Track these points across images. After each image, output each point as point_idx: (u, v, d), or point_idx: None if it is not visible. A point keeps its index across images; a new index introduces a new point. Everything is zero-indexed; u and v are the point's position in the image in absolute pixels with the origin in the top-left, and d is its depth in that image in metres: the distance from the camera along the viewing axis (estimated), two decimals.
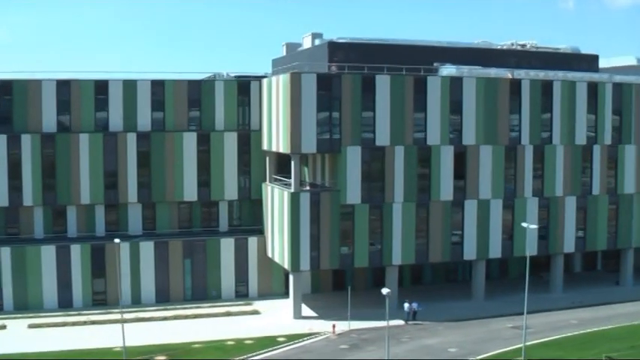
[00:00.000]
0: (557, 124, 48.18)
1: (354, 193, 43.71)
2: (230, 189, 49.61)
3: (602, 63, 62.61)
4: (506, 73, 48.32)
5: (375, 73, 44.14)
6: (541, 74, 49.26)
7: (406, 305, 43.32)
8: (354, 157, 43.56)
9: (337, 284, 49.99)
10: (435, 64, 48.01)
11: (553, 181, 48.22)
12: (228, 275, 48.17)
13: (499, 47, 53.23)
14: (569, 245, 49.33)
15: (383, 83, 43.98)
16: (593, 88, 49.28)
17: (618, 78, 52.39)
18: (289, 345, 39.26)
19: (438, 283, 52.77)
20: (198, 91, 49.16)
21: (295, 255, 43.24)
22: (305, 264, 43.55)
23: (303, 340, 40.18)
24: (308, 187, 46.32)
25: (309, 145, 42.95)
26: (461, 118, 45.87)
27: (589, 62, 52.81)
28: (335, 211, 43.50)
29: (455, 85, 45.71)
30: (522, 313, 45.52)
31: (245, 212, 50.39)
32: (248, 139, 49.63)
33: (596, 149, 49.43)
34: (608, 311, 46.05)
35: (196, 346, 39.11)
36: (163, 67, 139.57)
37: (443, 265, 51.81)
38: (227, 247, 48.08)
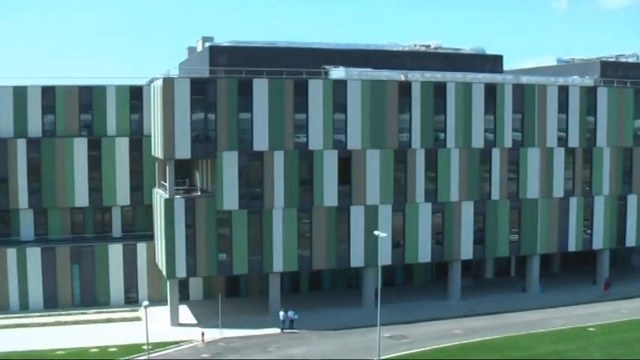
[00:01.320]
0: (452, 127, 48.18)
1: (230, 199, 44.22)
2: (122, 194, 50.67)
3: (528, 64, 62.28)
4: (400, 76, 48.32)
5: (252, 76, 44.54)
6: (438, 75, 49.16)
7: (281, 313, 43.71)
8: (230, 162, 44.00)
9: (231, 290, 50.83)
10: (325, 67, 48.12)
11: (447, 186, 48.26)
12: (117, 281, 49.15)
13: (398, 49, 52.91)
14: (466, 252, 49.25)
15: (260, 87, 44.33)
16: (492, 90, 49.20)
17: (525, 79, 52.15)
18: (153, 353, 39.90)
19: (339, 290, 53.09)
20: (89, 97, 50.25)
21: (171, 261, 43.93)
22: (181, 271, 44.19)
23: (169, 348, 40.86)
24: (183, 193, 46.55)
25: (183, 151, 43.50)
26: (345, 122, 46.10)
27: (492, 63, 52.24)
28: (211, 217, 44.08)
29: (339, 88, 45.95)
30: (410, 322, 46.28)
31: (139, 218, 51.41)
32: (140, 144, 50.56)
33: (496, 152, 49.29)
34: (501, 320, 45.96)
35: (59, 352, 40.16)
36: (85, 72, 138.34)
37: (343, 272, 52.10)
38: (115, 253, 49.08)
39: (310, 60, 47.89)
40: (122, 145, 50.04)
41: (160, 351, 40.42)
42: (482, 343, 41.35)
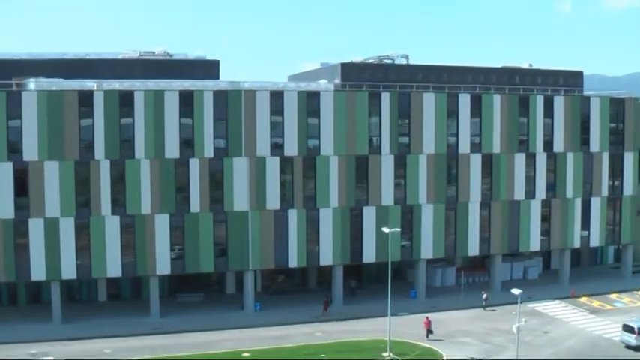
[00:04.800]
0: (141, 137, 48.87)
1: None
2: None
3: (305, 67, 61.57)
4: (93, 85, 49.40)
5: None
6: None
7: None
8: None
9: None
10: (20, 78, 49.55)
11: (138, 198, 48.85)
12: None
13: (104, 58, 54.52)
14: (163, 267, 49.61)
15: None
16: (189, 97, 49.48)
17: (247, 85, 52.09)
18: None
19: (29, 303, 54.13)
20: None
21: None
22: None
23: None
24: None
25: None
26: (21, 134, 47.57)
27: (209, 69, 52.08)
28: None
29: (13, 99, 47.37)
30: (80, 338, 47.37)
31: None
32: None
33: (194, 163, 49.54)
34: (173, 340, 46.29)
35: None
36: None
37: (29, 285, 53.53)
38: None
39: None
40: None
41: None
42: None
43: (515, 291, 39.82)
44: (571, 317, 52.65)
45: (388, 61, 61.85)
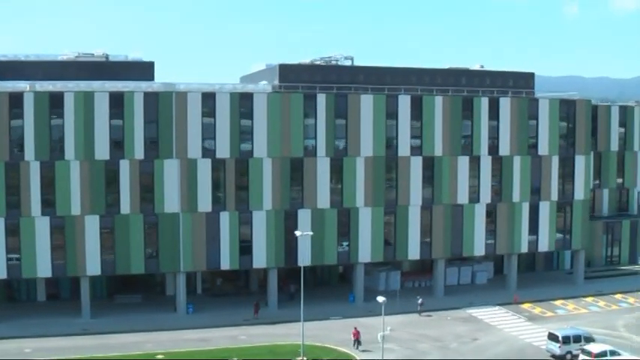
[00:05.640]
0: (71, 139, 49.46)
1: None
2: None
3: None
4: (26, 86, 50.11)
5: None
6: (59, 85, 50.57)
7: None
8: None
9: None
10: None
11: (68, 199, 49.52)
12: None
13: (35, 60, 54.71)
14: (93, 268, 50.28)
15: None
16: (119, 99, 50.01)
17: (182, 87, 52.51)
18: None
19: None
20: None
21: None
22: None
23: None
24: None
25: None
26: None
27: (144, 70, 52.65)
28: None
29: None
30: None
31: None
32: None
33: (124, 164, 50.18)
34: (97, 341, 46.90)
35: None
36: None
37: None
38: None
39: None
40: None
41: None
42: None
43: (380, 299, 40.08)
44: (506, 324, 52.36)
45: (333, 62, 61.73)
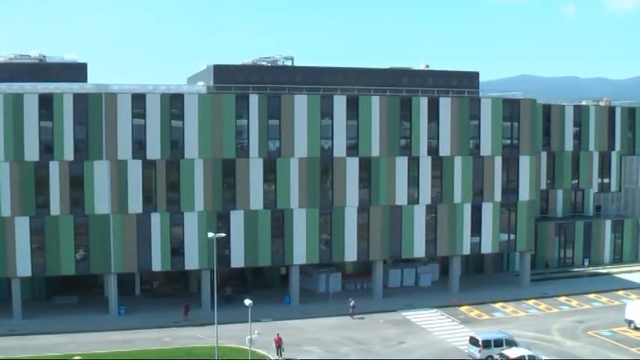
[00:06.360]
0: (0, 139, 49.69)
1: None
2: None
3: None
4: None
5: None
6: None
7: None
8: None
9: None
10: None
11: (51, 199, 50.05)
12: None
13: None
14: (24, 269, 50.61)
15: None
16: (49, 100, 50.05)
17: (116, 88, 52.91)
18: None
19: None
20: None
21: None
22: None
23: None
24: None
25: None
26: None
27: (77, 72, 53.34)
28: None
29: None
30: None
31: None
32: None
33: (54, 165, 50.30)
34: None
35: None
36: None
37: None
38: None
39: None
40: None
41: None
42: None
43: (247, 302, 40.23)
44: (438, 327, 52.24)
45: (273, 62, 61.91)
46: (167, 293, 59.34)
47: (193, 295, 59.07)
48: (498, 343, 45.01)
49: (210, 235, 44.89)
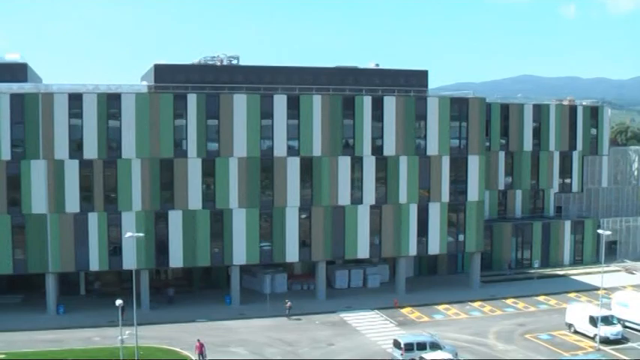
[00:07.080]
0: None
1: None
2: None
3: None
4: None
5: None
6: None
7: None
8: None
9: None
10: None
11: None
12: None
13: None
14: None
15: None
16: None
17: (55, 88, 53.47)
18: None
19: None
20: None
21: None
22: None
23: None
24: None
25: None
26: None
27: (16, 72, 54.05)
28: None
29: None
30: None
31: None
32: None
33: None
34: None
35: None
36: None
37: None
38: None
39: None
40: None
41: None
42: None
43: (118, 302, 40.71)
44: (373, 329, 52.06)
45: (218, 62, 61.87)
46: (110, 293, 60.02)
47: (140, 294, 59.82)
48: (422, 347, 44.76)
49: (129, 234, 45.54)
